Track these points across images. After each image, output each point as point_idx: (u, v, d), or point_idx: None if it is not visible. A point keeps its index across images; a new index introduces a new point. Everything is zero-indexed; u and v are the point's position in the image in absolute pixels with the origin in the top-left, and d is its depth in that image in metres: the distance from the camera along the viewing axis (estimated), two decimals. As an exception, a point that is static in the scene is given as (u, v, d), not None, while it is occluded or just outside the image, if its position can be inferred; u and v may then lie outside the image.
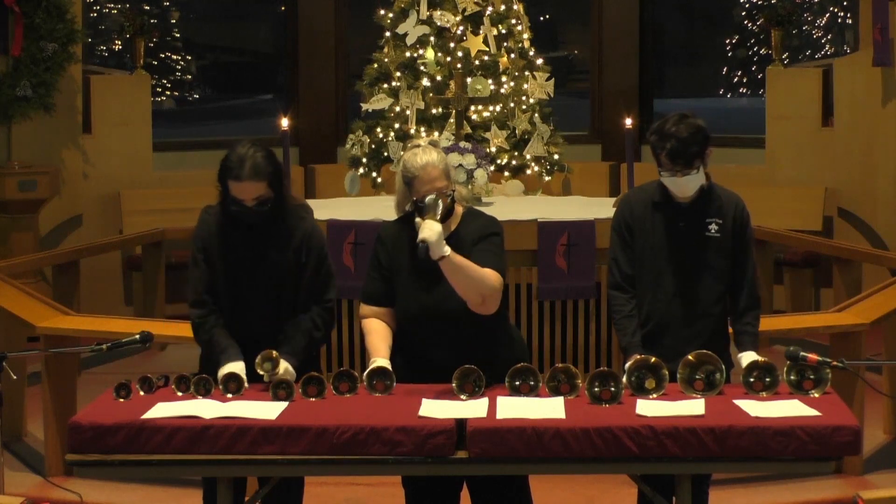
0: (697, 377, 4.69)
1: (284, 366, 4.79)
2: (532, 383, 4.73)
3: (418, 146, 4.99)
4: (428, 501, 5.02)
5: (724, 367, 4.73)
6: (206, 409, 4.53)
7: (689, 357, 4.72)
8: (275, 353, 4.78)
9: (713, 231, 4.99)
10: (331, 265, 5.02)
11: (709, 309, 5.01)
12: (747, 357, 4.92)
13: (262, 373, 4.76)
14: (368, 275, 5.08)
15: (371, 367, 4.85)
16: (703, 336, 4.97)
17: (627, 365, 4.81)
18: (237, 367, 4.79)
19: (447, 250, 4.77)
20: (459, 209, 5.02)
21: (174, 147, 10.81)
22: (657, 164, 4.96)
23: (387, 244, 5.04)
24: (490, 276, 4.86)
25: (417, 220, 4.84)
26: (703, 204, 5.00)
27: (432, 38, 8.63)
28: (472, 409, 4.55)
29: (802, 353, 4.64)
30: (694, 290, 5.00)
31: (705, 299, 5.01)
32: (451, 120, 8.25)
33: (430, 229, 4.75)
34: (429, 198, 4.83)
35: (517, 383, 4.73)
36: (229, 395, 4.71)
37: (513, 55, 8.76)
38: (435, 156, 4.92)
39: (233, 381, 4.74)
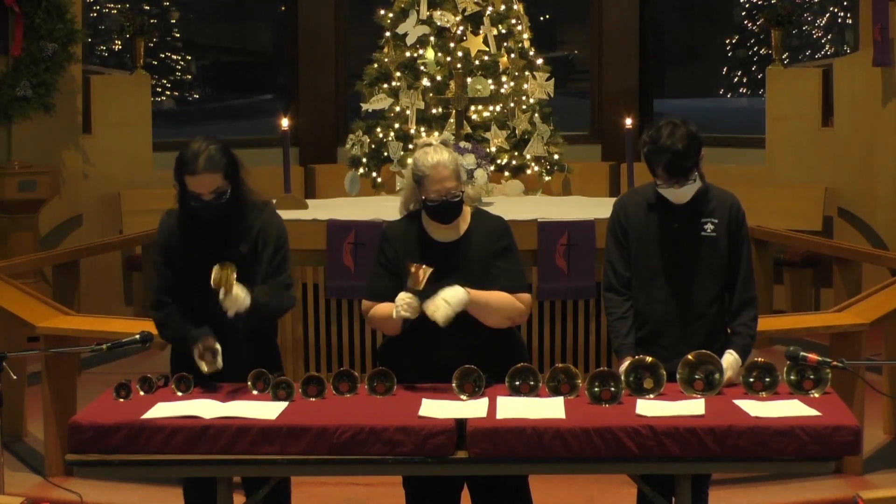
0: (697, 377, 4.69)
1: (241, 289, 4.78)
2: (532, 383, 4.73)
3: (430, 144, 4.99)
4: (428, 502, 5.01)
5: (722, 367, 4.74)
6: (206, 409, 4.53)
7: (689, 357, 4.72)
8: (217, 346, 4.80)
9: (709, 231, 4.99)
10: (288, 256, 5.00)
11: (704, 310, 5.00)
12: (726, 357, 4.89)
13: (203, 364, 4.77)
14: (374, 272, 5.06)
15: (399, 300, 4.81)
16: (700, 336, 4.97)
17: (621, 368, 4.82)
18: (210, 338, 4.82)
19: (466, 299, 4.81)
20: (468, 209, 5.03)
21: (174, 147, 10.71)
22: (652, 174, 4.96)
23: (394, 242, 5.03)
24: (514, 302, 4.93)
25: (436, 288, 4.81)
26: (699, 204, 5.00)
27: (432, 38, 8.63)
28: (472, 409, 4.55)
29: (802, 353, 4.64)
30: (689, 291, 4.99)
31: (701, 300, 5.00)
32: (451, 120, 8.25)
33: (443, 313, 4.77)
34: (411, 279, 4.80)
35: (517, 383, 4.73)
36: (204, 366, 4.76)
37: (513, 55, 8.76)
38: (446, 155, 4.92)
39: (209, 352, 4.78)
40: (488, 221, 5.05)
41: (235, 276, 4.76)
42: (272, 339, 5.11)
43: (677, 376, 4.71)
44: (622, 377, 4.69)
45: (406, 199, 5.08)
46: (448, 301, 4.79)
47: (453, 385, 4.71)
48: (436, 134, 8.27)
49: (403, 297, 4.80)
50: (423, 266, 4.81)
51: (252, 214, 4.93)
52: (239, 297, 4.76)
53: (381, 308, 4.97)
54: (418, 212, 5.02)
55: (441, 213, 4.93)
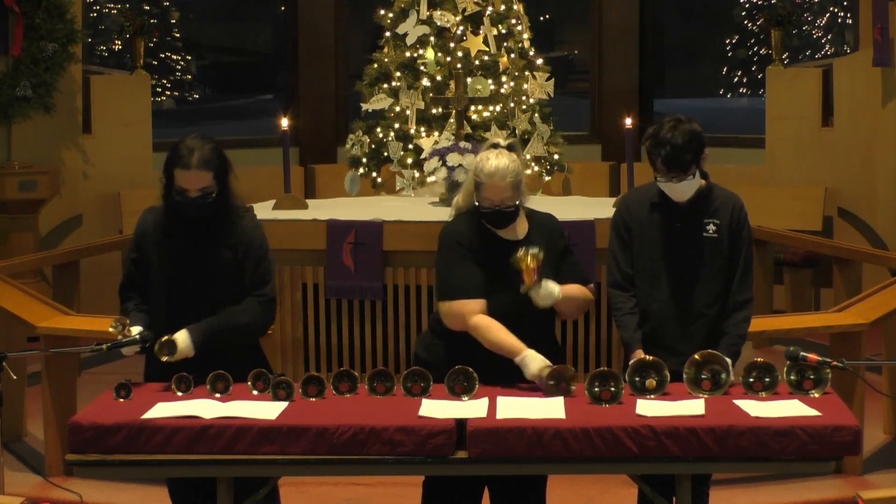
0: (703, 377, 4.69)
1: (183, 343, 4.78)
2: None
3: (497, 145, 4.95)
4: (448, 502, 4.99)
5: (729, 367, 4.74)
6: (206, 409, 4.53)
7: (696, 356, 4.72)
8: (168, 337, 4.78)
9: (710, 231, 4.99)
10: (271, 262, 4.97)
11: (705, 310, 5.00)
12: None
13: (163, 358, 4.77)
14: (459, 268, 4.90)
15: (528, 363, 4.78)
16: (700, 336, 4.97)
17: (631, 362, 4.82)
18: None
19: (559, 292, 4.87)
20: (523, 210, 5.00)
21: (174, 147, 10.80)
22: (652, 168, 4.97)
23: (464, 242, 4.93)
24: (587, 293, 5.06)
25: (540, 290, 4.82)
26: (702, 204, 5.00)
27: (432, 38, 8.63)
28: (472, 409, 4.55)
29: (802, 353, 4.64)
30: (690, 291, 5.00)
31: (701, 300, 5.00)
32: (451, 120, 8.24)
33: (549, 297, 4.83)
34: (524, 256, 4.79)
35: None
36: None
37: (513, 55, 8.76)
38: (505, 162, 4.87)
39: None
40: (544, 221, 5.06)
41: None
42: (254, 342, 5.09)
43: (684, 375, 4.71)
44: (626, 377, 4.69)
45: (464, 195, 5.01)
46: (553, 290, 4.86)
47: (444, 385, 4.71)
48: (436, 134, 8.27)
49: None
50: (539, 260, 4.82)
51: (234, 219, 4.91)
52: (183, 352, 4.79)
53: (489, 322, 4.88)
54: (476, 209, 4.96)
55: (494, 219, 4.92)
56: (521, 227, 4.99)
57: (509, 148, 4.95)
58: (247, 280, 4.90)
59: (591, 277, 5.13)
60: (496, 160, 4.87)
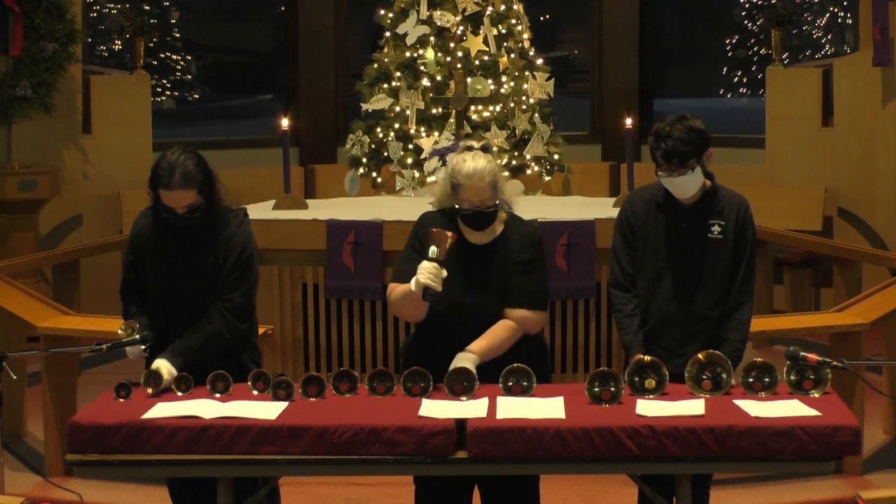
0: (705, 377, 4.69)
1: (167, 372, 4.78)
2: (525, 384, 4.72)
3: (471, 148, 4.93)
4: (439, 501, 4.99)
5: (731, 367, 4.73)
6: (206, 409, 4.53)
7: (700, 356, 4.72)
8: (150, 369, 4.78)
9: (716, 233, 4.98)
10: (250, 269, 4.92)
11: (707, 311, 4.99)
12: None
13: (150, 391, 4.77)
14: (406, 255, 4.97)
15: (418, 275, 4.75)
16: (702, 338, 4.96)
17: (630, 365, 4.82)
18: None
19: (476, 360, 4.76)
20: (502, 213, 4.98)
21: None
22: (656, 165, 4.96)
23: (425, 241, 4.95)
24: (513, 330, 4.87)
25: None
26: (707, 205, 5.00)
27: (432, 38, 8.63)
28: (472, 409, 4.54)
29: (802, 353, 4.64)
30: (693, 292, 4.99)
31: (704, 301, 5.00)
32: (451, 120, 8.25)
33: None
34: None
35: (510, 384, 4.72)
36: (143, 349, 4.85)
37: (513, 55, 8.77)
38: (482, 163, 4.85)
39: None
40: (522, 228, 5.01)
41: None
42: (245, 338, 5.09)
43: (686, 374, 4.70)
44: (625, 377, 4.69)
45: (440, 197, 5.02)
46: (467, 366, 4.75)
47: (444, 386, 4.70)
48: (436, 134, 8.28)
49: (426, 266, 4.74)
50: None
51: (220, 226, 4.89)
52: (168, 381, 4.78)
53: (403, 287, 4.88)
54: (454, 210, 4.97)
55: (474, 221, 4.91)
56: (496, 229, 4.97)
57: (483, 149, 4.95)
58: (221, 283, 4.88)
59: (538, 302, 4.95)
60: (473, 162, 4.86)
